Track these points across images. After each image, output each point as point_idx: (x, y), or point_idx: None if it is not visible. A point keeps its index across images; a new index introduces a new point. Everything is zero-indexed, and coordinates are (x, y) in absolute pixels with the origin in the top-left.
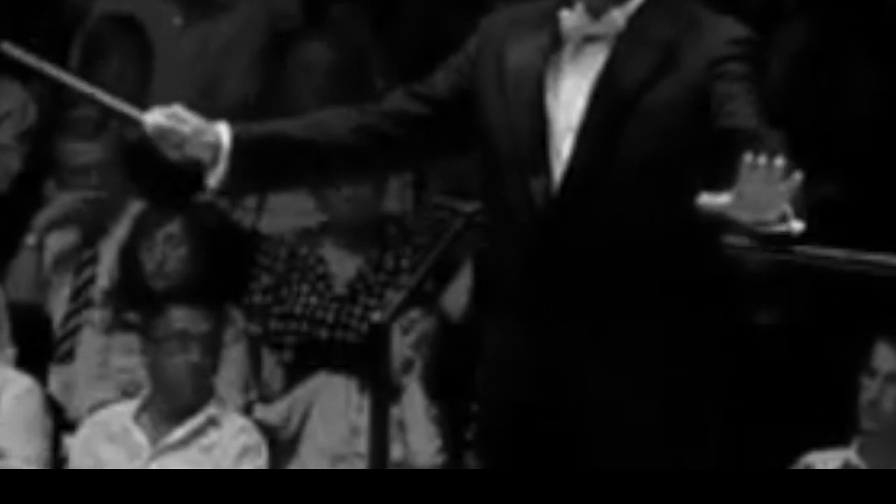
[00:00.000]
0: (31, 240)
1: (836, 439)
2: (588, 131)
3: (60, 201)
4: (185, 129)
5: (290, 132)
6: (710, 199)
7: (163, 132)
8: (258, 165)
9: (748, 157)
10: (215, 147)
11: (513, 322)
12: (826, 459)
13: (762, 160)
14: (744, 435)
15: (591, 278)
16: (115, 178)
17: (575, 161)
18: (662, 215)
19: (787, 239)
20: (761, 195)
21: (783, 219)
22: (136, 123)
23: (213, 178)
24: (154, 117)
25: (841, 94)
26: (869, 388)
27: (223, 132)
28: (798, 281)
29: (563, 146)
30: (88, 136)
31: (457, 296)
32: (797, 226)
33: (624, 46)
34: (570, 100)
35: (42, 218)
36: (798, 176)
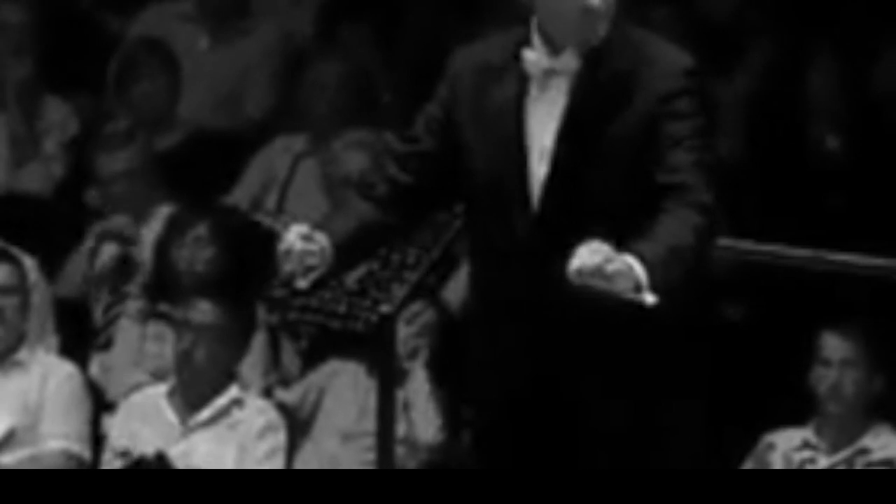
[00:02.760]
0: (87, 245)
1: (794, 420)
2: (558, 170)
3: (119, 220)
4: (314, 247)
5: (355, 236)
6: (578, 268)
7: (291, 253)
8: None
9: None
10: (322, 258)
11: (500, 332)
12: (786, 437)
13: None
14: (713, 419)
15: (570, 296)
16: (144, 184)
17: (548, 196)
18: (630, 233)
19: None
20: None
21: (637, 289)
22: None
23: (306, 282)
24: (290, 239)
25: (807, 106)
26: (827, 376)
27: (327, 247)
28: (760, 278)
29: (538, 179)
30: (118, 146)
31: (456, 290)
32: (650, 298)
33: (582, 84)
34: (539, 134)
35: (100, 228)
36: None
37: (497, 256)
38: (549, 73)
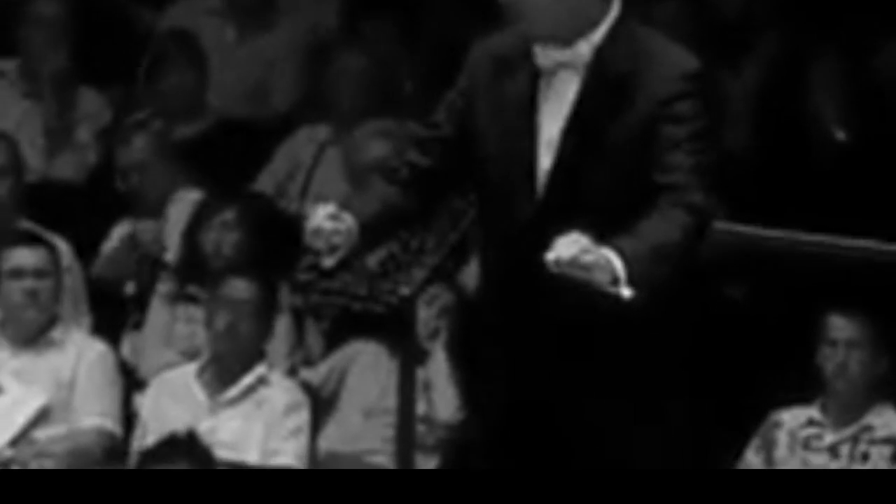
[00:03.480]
0: (121, 229)
1: (800, 399)
2: (562, 162)
3: (147, 223)
4: (341, 226)
5: (379, 217)
6: (554, 259)
7: (319, 232)
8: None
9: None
10: (347, 237)
11: (506, 315)
12: (792, 415)
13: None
14: (720, 397)
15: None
16: (163, 171)
17: (552, 187)
18: (622, 229)
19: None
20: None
21: (614, 282)
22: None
23: (332, 261)
24: (319, 218)
25: (814, 98)
26: (833, 356)
27: (353, 227)
28: (764, 260)
29: (543, 169)
30: (136, 135)
31: (472, 273)
32: (626, 292)
33: (589, 79)
34: (548, 126)
35: (130, 225)
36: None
37: (502, 242)
38: (559, 67)
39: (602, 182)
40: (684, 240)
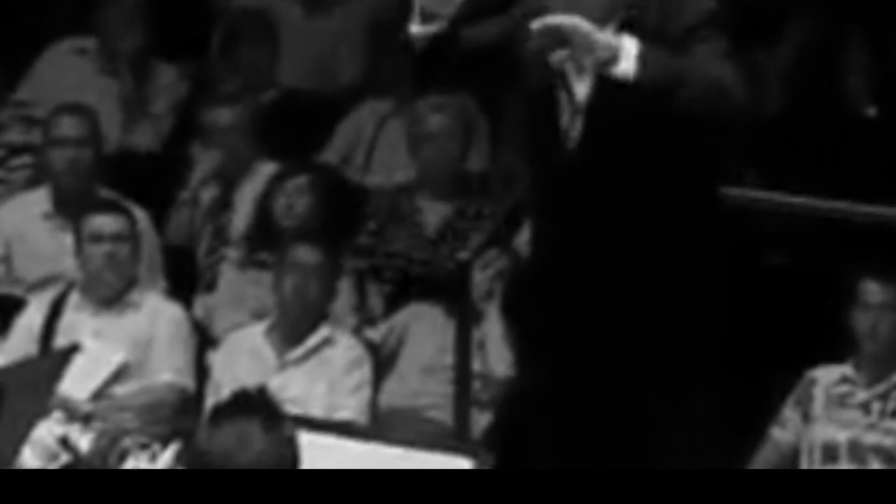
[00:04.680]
0: (186, 194)
1: (834, 358)
2: (593, 119)
3: (208, 161)
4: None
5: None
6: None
7: None
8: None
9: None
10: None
11: (553, 275)
12: (827, 373)
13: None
14: (761, 355)
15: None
16: (248, 138)
17: (585, 140)
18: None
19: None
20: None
21: (612, 61)
22: None
23: (422, 31)
24: None
25: (845, 78)
26: (866, 319)
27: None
28: (800, 228)
29: (577, 127)
30: (227, 103)
31: (526, 238)
32: (624, 67)
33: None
34: (580, 87)
35: (195, 177)
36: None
37: (546, 202)
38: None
39: (630, 136)
40: (706, 80)
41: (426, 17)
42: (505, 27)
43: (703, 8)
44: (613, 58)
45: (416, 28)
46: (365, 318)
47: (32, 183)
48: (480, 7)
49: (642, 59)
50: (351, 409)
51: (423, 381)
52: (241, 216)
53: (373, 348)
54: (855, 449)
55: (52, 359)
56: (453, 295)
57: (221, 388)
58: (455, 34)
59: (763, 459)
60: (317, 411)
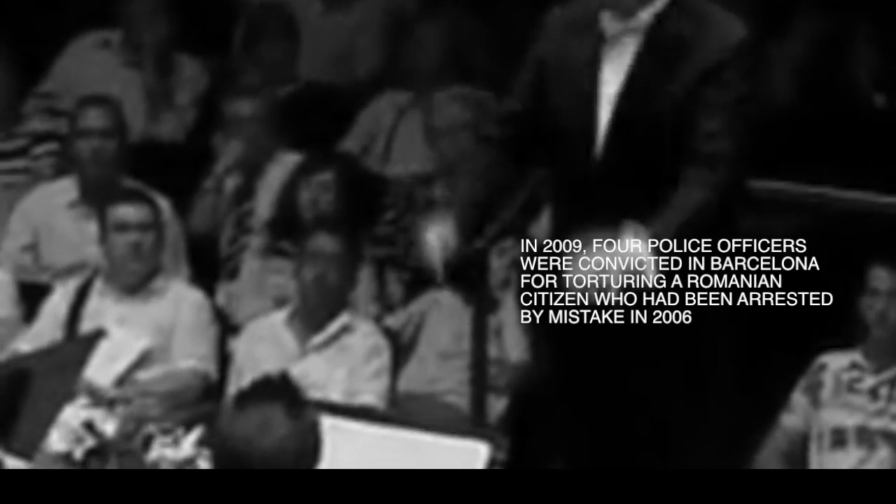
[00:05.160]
0: (209, 183)
1: (844, 344)
2: (618, 122)
3: (231, 151)
4: (449, 245)
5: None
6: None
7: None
8: None
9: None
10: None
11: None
12: (836, 359)
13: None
14: (773, 341)
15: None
16: (269, 129)
17: (610, 144)
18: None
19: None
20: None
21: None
22: None
23: (442, 272)
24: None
25: (854, 69)
26: (874, 305)
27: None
28: (817, 218)
29: (603, 127)
30: (249, 95)
31: (541, 228)
32: (650, 278)
33: (648, 44)
34: (608, 86)
35: (219, 167)
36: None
37: (568, 197)
38: (622, 33)
39: (653, 139)
40: (701, 216)
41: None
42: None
43: (729, 45)
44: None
45: (440, 276)
46: (384, 306)
47: (57, 171)
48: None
49: (657, 254)
50: (370, 394)
51: (440, 367)
52: (263, 205)
53: (392, 335)
54: (863, 433)
55: (77, 344)
56: (470, 282)
57: (243, 374)
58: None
59: (773, 444)
60: (337, 397)
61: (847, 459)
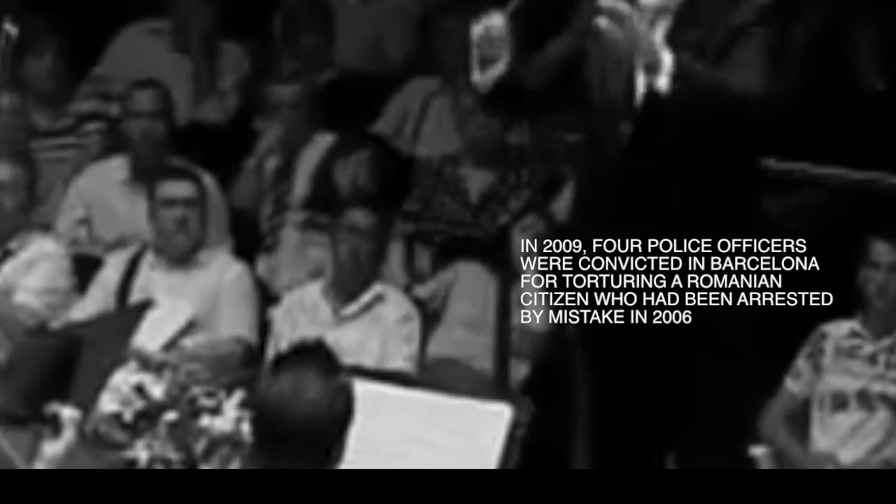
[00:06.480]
0: (251, 163)
1: (843, 313)
2: (650, 93)
3: (272, 133)
4: (505, 41)
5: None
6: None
7: (490, 32)
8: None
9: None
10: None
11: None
12: (837, 327)
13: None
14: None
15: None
16: (306, 113)
17: (643, 116)
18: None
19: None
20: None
21: (653, 69)
22: None
23: (482, 78)
24: (495, 20)
25: (857, 56)
26: (874, 277)
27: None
28: (819, 194)
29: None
30: (288, 82)
31: (562, 205)
32: (662, 82)
33: (680, 23)
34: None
35: (260, 147)
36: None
37: (599, 170)
38: (658, 11)
39: (686, 103)
40: (730, 95)
41: (485, 63)
42: (566, 45)
43: (757, 6)
44: (653, 65)
45: (477, 76)
46: (414, 277)
47: (105, 150)
48: (532, 38)
49: (676, 77)
50: (401, 358)
51: (466, 334)
52: (300, 183)
53: (420, 304)
54: (862, 397)
55: (127, 314)
56: (494, 255)
57: (281, 341)
58: (516, 73)
59: (777, 408)
60: (369, 362)
61: (848, 420)
